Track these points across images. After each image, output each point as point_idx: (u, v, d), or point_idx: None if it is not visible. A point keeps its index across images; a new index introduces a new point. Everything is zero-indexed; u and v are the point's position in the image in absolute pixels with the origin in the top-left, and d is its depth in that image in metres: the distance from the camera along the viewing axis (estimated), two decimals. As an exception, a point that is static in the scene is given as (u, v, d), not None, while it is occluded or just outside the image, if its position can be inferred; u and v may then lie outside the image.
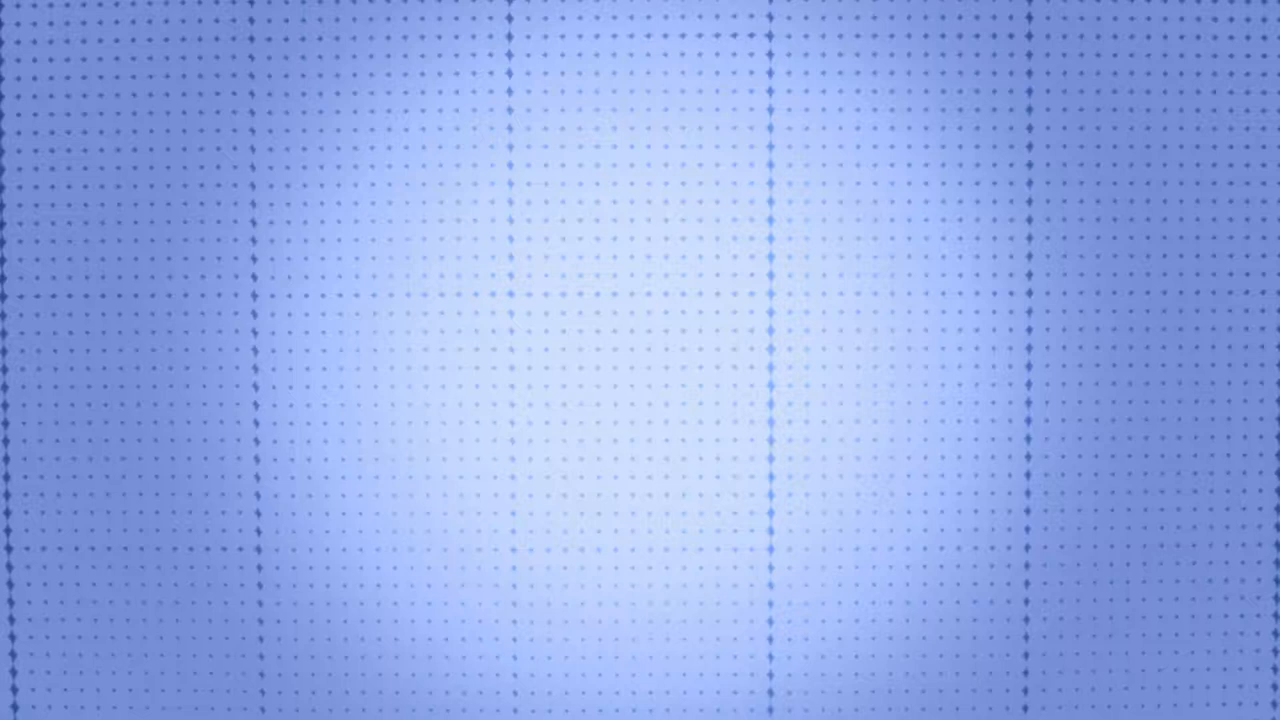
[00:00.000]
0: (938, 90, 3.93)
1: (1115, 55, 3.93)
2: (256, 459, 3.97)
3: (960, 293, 3.96)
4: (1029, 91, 3.93)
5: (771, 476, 3.99)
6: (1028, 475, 4.00)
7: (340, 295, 3.94)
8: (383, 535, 3.99)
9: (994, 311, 3.97)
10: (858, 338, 3.96)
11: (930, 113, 3.94)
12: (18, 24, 3.91)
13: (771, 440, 3.99)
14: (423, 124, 3.92)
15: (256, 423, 3.97)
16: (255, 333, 3.95)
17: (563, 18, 3.91)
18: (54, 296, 3.95)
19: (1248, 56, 3.94)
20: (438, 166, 3.93)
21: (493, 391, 3.97)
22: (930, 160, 3.94)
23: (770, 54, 3.92)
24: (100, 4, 3.90)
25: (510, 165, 3.93)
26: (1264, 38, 3.93)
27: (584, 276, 3.95)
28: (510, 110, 3.92)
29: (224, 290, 3.95)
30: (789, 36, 3.92)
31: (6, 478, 3.98)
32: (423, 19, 3.92)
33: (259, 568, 3.99)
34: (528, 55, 3.91)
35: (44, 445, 3.98)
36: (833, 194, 3.94)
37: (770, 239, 3.95)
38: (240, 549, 3.99)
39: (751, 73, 3.92)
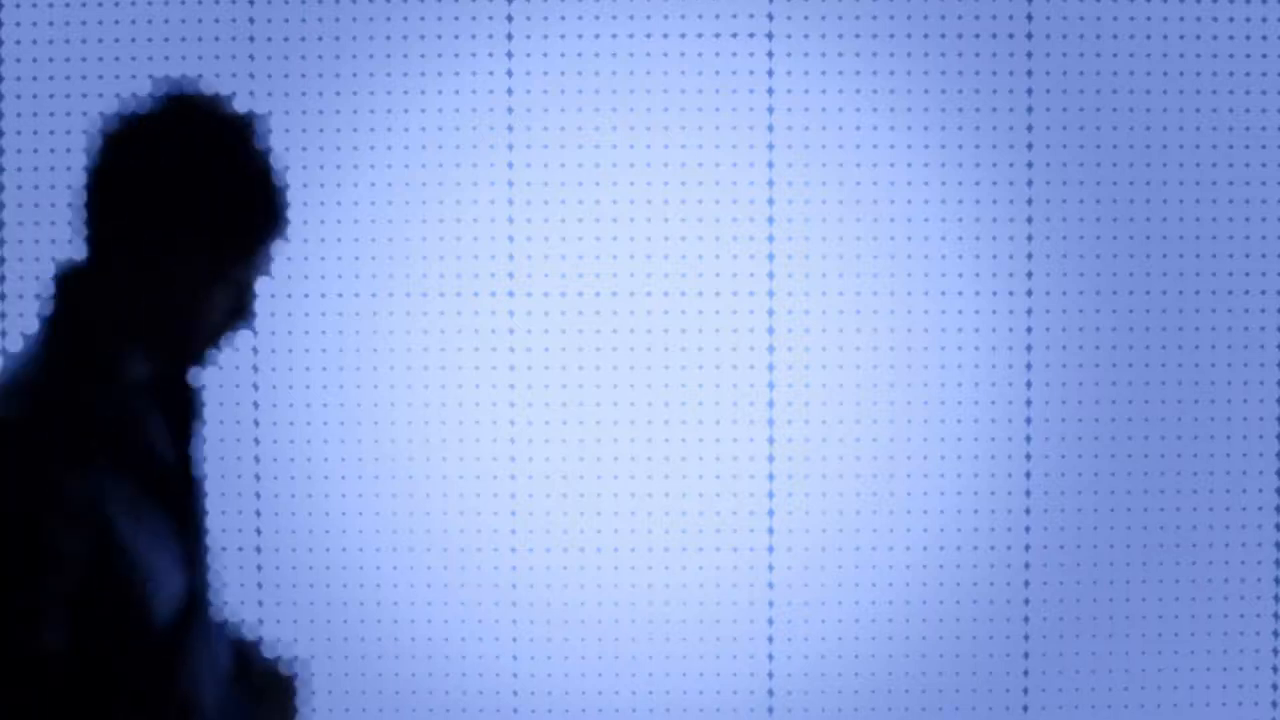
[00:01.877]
0: (938, 90, 3.93)
1: (1115, 55, 3.93)
2: (256, 459, 3.97)
3: (960, 293, 3.96)
4: (1029, 91, 3.93)
5: (771, 476, 3.99)
6: (1028, 475, 4.00)
7: (340, 295, 3.94)
8: (383, 535, 3.98)
9: (994, 311, 3.97)
10: (858, 338, 3.96)
11: (930, 113, 3.93)
12: (18, 24, 3.91)
13: (771, 440, 3.99)
14: (423, 124, 3.92)
15: (256, 423, 3.97)
16: (255, 333, 3.95)
17: (563, 18, 3.91)
18: (54, 296, 3.94)
19: (1248, 56, 3.94)
20: (438, 166, 3.92)
21: (493, 391, 3.96)
22: (930, 160, 3.94)
23: (770, 54, 3.92)
24: (100, 4, 3.90)
25: (510, 165, 3.93)
26: (1264, 38, 3.93)
27: (584, 276, 3.95)
28: (510, 110, 3.92)
29: (224, 290, 3.95)
30: (789, 36, 3.92)
31: (6, 478, 3.98)
32: (423, 19, 3.91)
33: (259, 568, 3.99)
34: (528, 55, 3.91)
35: (44, 445, 3.97)
36: (833, 194, 3.94)
37: (770, 239, 3.95)
38: (240, 549, 3.98)
39: (751, 73, 3.92)
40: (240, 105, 2.14)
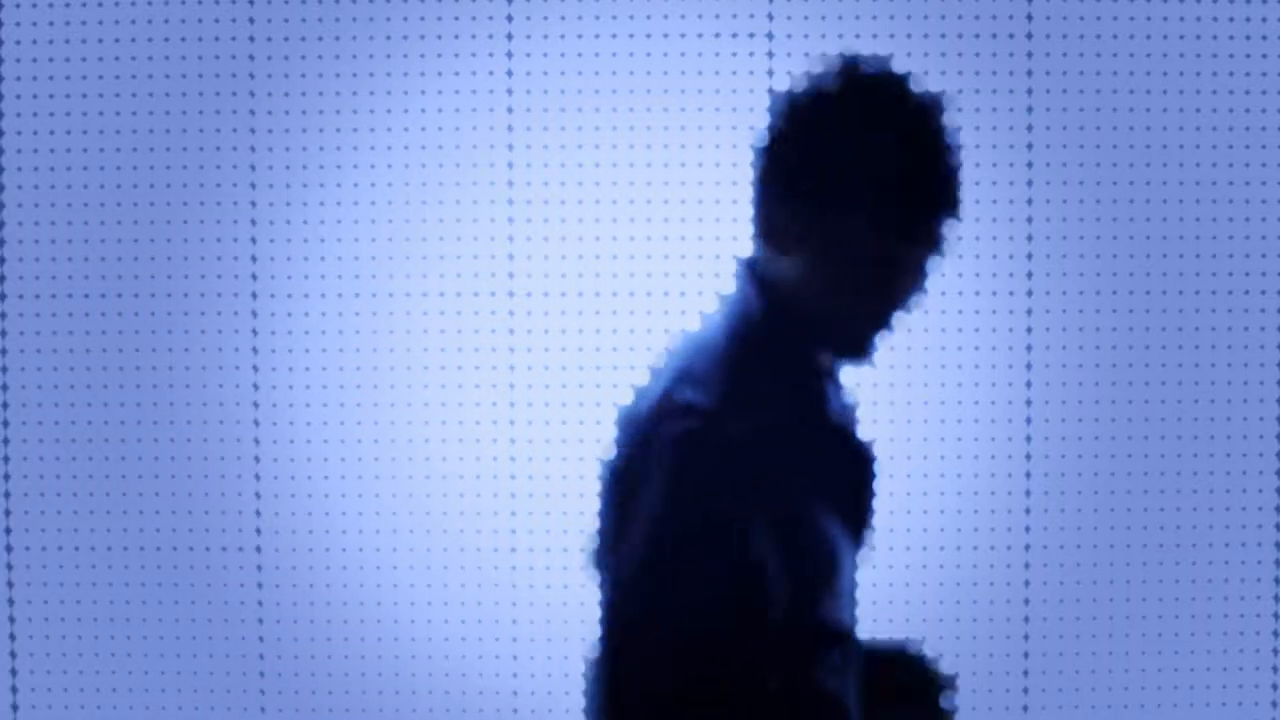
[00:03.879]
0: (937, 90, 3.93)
1: (1115, 55, 3.93)
2: (256, 459, 3.97)
3: (960, 293, 3.96)
4: (1029, 91, 3.93)
5: (771, 476, 3.98)
6: (1028, 475, 4.00)
7: (340, 295, 3.94)
8: (383, 535, 3.98)
9: (994, 311, 3.97)
10: (858, 338, 3.95)
11: (930, 113, 3.93)
12: (18, 24, 3.91)
13: (771, 440, 3.98)
14: (423, 124, 3.92)
15: (256, 423, 3.97)
16: (255, 333, 3.95)
17: (563, 18, 3.91)
18: (54, 296, 3.95)
19: (1248, 56, 3.94)
20: (438, 167, 3.92)
21: (493, 392, 3.96)
22: (930, 160, 3.93)
23: (770, 54, 3.92)
24: (100, 4, 3.90)
25: (510, 165, 3.93)
26: (1264, 38, 3.93)
27: (583, 276, 3.95)
28: (510, 110, 3.92)
29: (224, 290, 3.95)
30: (789, 36, 3.92)
31: (6, 478, 3.98)
32: (423, 19, 3.91)
33: (259, 568, 3.99)
34: (528, 55, 3.91)
35: (44, 445, 3.98)
36: (833, 194, 3.94)
37: (770, 239, 3.94)
38: (240, 549, 3.98)
39: (751, 73, 3.92)
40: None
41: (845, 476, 2.04)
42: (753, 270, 2.01)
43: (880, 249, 1.92)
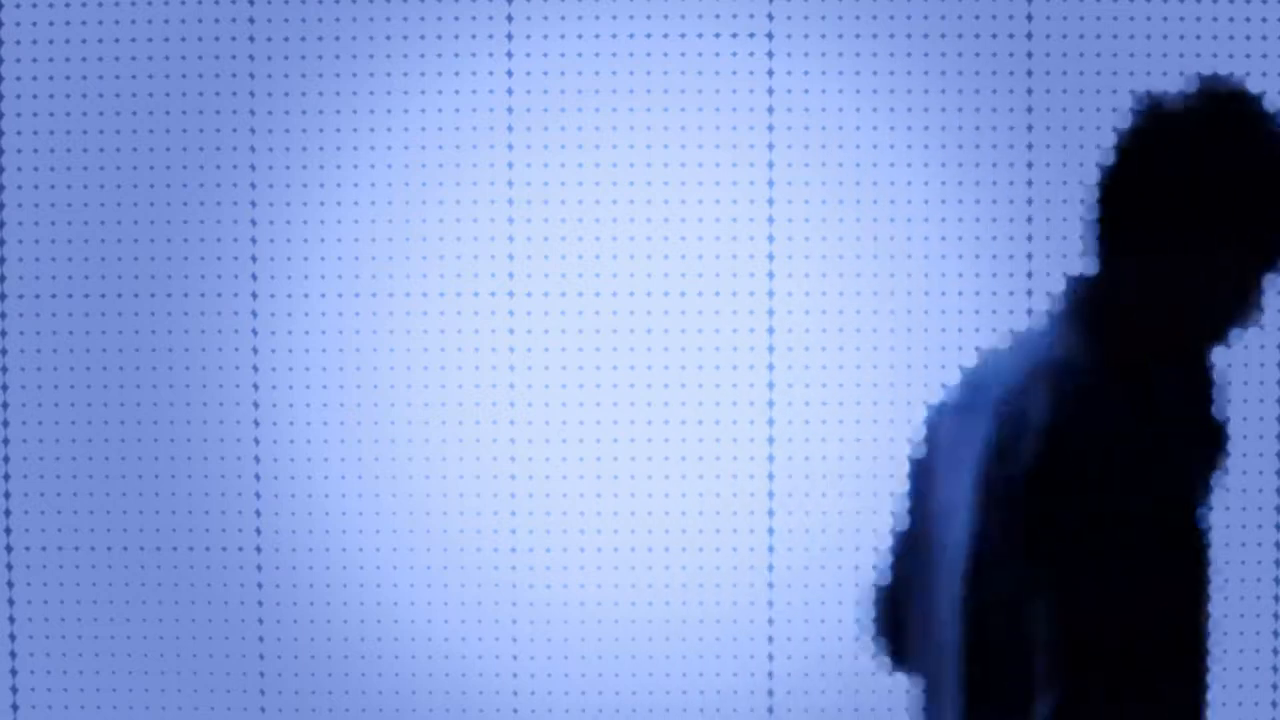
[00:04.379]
0: (938, 90, 3.93)
1: (1115, 56, 3.93)
2: (256, 459, 3.97)
3: (960, 293, 3.96)
4: (1029, 91, 3.93)
5: (771, 476, 3.99)
6: (1028, 475, 4.00)
7: (340, 295, 3.95)
8: (383, 535, 3.99)
9: (994, 311, 3.97)
10: (858, 338, 3.96)
11: (930, 113, 3.94)
12: (18, 24, 3.91)
13: (771, 440, 3.99)
14: (423, 124, 3.92)
15: (256, 423, 3.97)
16: (255, 333, 3.96)
17: (563, 18, 3.91)
18: (54, 296, 3.95)
19: (1248, 57, 3.94)
20: (438, 167, 3.93)
21: (493, 392, 3.97)
22: (930, 160, 3.94)
23: (770, 54, 3.93)
24: (100, 4, 3.91)
25: (510, 165, 3.93)
26: (1264, 38, 3.93)
27: (584, 276, 3.95)
28: (510, 110, 3.92)
29: (224, 290, 3.95)
30: (789, 36, 3.93)
31: (6, 478, 3.99)
32: (423, 19, 3.92)
33: (259, 568, 3.99)
34: (528, 55, 3.92)
35: (44, 445, 3.98)
36: (833, 194, 3.94)
37: (770, 239, 3.95)
38: (240, 549, 3.99)
39: (751, 73, 3.93)
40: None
41: (1201, 474, 2.07)
42: (1088, 288, 2.07)
43: (1244, 270, 1.98)
